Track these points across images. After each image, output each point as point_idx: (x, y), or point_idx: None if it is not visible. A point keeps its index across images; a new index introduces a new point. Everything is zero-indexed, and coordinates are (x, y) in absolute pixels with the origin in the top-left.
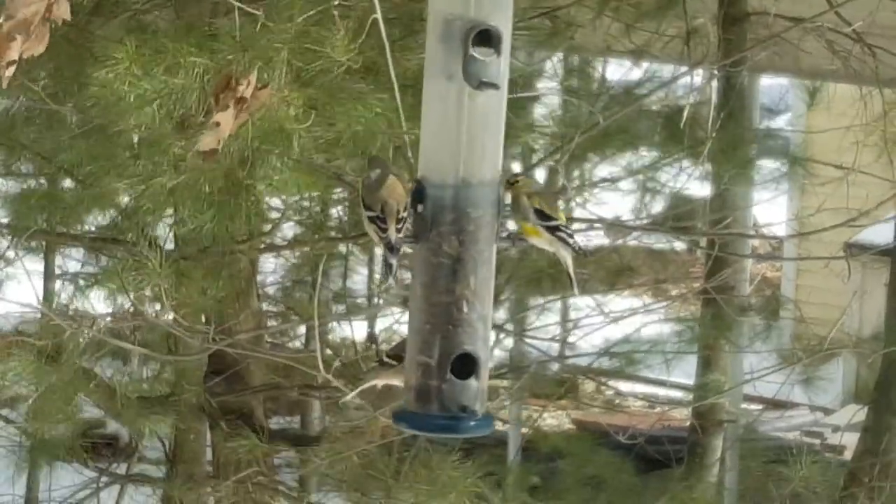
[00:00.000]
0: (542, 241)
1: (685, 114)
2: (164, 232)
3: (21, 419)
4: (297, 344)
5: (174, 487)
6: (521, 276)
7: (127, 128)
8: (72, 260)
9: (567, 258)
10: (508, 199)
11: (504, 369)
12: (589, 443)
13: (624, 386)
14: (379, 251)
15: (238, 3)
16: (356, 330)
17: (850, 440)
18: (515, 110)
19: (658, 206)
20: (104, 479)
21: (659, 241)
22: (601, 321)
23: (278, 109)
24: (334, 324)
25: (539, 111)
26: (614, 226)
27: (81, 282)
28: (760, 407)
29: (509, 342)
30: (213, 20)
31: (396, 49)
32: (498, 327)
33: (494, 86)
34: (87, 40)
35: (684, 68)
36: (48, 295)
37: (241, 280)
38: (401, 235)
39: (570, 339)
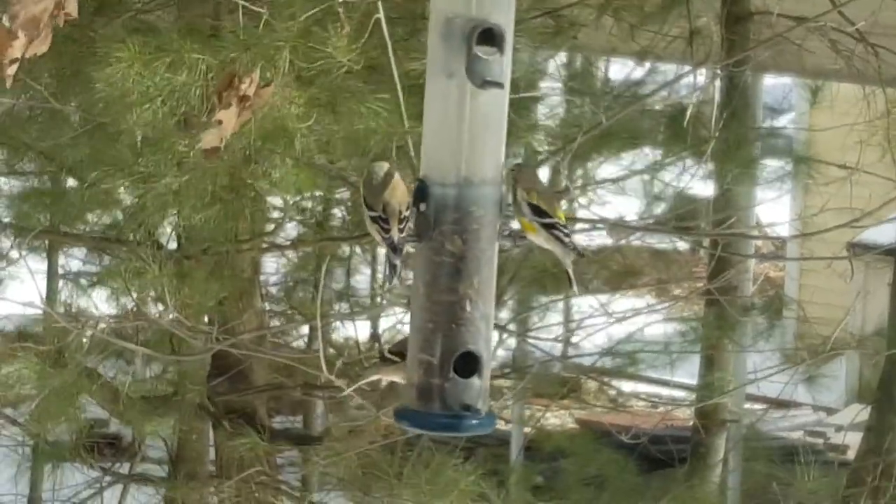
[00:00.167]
0: (539, 238)
1: (688, 113)
2: (167, 231)
3: (24, 419)
4: (300, 344)
5: (177, 487)
6: (524, 276)
7: (130, 126)
8: (75, 259)
9: (564, 256)
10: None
11: (507, 369)
12: (592, 442)
13: (627, 386)
14: (382, 251)
15: (242, 2)
16: (359, 329)
17: (854, 440)
18: (518, 110)
19: (661, 206)
20: (107, 478)
21: (662, 241)
22: (604, 321)
23: (281, 108)
24: (337, 323)
25: (542, 111)
26: (617, 226)
27: (84, 282)
28: (763, 407)
29: (512, 342)
30: (216, 20)
31: (399, 48)
32: (501, 327)
33: (499, 85)
34: (90, 40)
35: (687, 68)
36: (51, 295)
37: (244, 280)
38: (403, 235)
39: (574, 338)
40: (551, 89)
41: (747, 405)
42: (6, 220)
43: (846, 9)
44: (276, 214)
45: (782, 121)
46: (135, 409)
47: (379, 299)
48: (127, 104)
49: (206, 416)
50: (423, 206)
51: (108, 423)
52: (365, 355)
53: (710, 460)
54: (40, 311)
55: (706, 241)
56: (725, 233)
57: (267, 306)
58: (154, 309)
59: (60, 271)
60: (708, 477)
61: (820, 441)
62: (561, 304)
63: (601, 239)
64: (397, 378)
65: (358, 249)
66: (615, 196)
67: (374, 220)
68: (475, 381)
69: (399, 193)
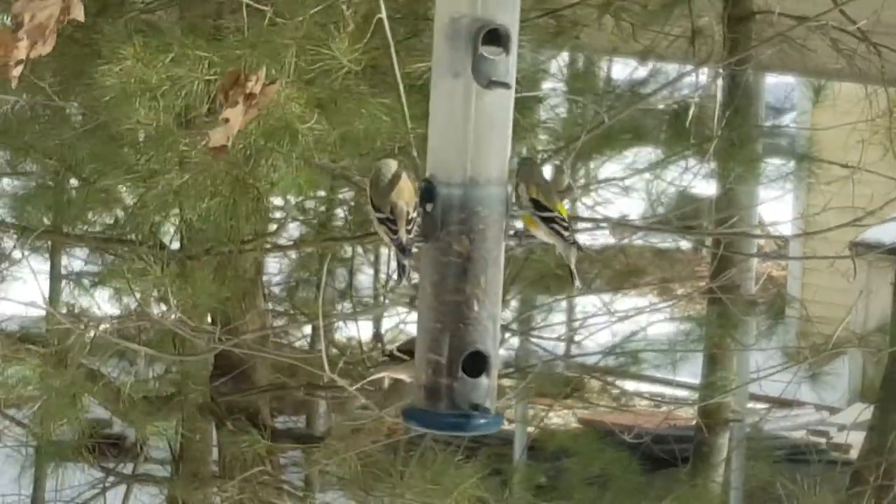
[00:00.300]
0: (539, 232)
1: (691, 113)
2: (170, 231)
3: (27, 420)
4: (303, 344)
5: (180, 487)
6: (527, 275)
7: (132, 124)
8: (77, 260)
9: (565, 251)
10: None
11: (510, 368)
12: (595, 442)
13: (630, 385)
14: (385, 250)
15: (246, 0)
16: (362, 329)
17: (857, 439)
18: (521, 110)
19: (664, 206)
20: (110, 479)
21: (665, 241)
22: (607, 320)
23: (285, 107)
24: (340, 323)
25: (544, 111)
26: (620, 225)
27: (86, 282)
28: (766, 406)
29: (515, 341)
30: (218, 20)
31: (400, 49)
32: (504, 327)
33: (505, 85)
34: (93, 40)
35: (689, 67)
36: (54, 295)
37: (247, 280)
38: (411, 236)
39: (577, 338)
40: (553, 89)
41: (750, 404)
42: (9, 220)
43: (848, 8)
44: (278, 215)
45: (784, 120)
46: (137, 409)
47: (381, 299)
48: (129, 101)
49: (208, 416)
50: (430, 207)
51: (111, 423)
52: (367, 355)
53: (713, 459)
54: (43, 312)
55: (709, 241)
56: (728, 232)
57: (270, 306)
58: (157, 309)
59: (63, 272)
60: (711, 476)
61: (823, 440)
62: (564, 304)
63: (604, 238)
64: (405, 376)
65: (360, 249)
66: (617, 196)
67: (381, 221)
68: (483, 380)
69: (406, 194)
